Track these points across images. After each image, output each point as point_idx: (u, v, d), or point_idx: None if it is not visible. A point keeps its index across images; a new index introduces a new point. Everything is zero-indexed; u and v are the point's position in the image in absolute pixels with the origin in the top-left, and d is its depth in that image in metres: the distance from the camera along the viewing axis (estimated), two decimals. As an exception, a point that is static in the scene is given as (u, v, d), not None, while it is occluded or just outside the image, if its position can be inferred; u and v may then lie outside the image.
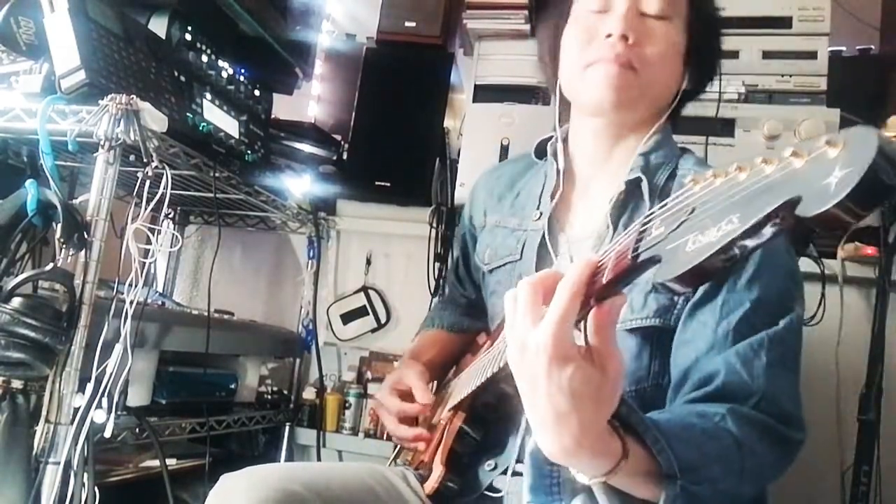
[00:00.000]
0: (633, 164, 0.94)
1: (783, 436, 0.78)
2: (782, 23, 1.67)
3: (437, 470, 0.97)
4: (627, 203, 0.93)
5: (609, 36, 0.90)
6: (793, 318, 0.83)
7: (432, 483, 0.97)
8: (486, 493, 0.98)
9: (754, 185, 0.42)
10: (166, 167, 1.20)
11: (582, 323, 0.57)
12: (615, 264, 0.52)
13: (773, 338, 0.81)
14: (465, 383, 1.01)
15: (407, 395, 1.10)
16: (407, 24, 1.95)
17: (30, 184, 1.10)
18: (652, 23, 0.91)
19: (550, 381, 0.55)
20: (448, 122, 1.99)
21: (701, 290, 0.84)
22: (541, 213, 1.01)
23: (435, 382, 1.20)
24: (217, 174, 1.47)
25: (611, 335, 0.57)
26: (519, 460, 0.94)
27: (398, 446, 1.26)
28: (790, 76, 1.66)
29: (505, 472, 0.96)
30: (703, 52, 0.96)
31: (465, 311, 1.28)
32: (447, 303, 1.34)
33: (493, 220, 1.12)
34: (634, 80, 0.90)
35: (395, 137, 1.94)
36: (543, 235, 0.99)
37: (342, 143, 2.10)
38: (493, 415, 0.99)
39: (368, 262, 2.07)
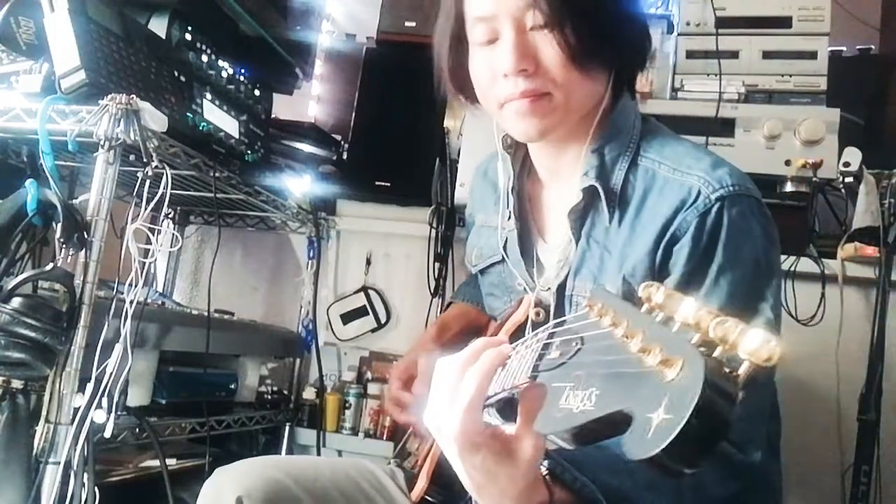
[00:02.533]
0: (586, 165, 0.87)
1: (734, 460, 0.76)
2: (782, 23, 1.67)
3: (422, 481, 0.97)
4: (587, 211, 0.88)
5: (507, 75, 0.82)
6: (762, 322, 0.77)
7: (416, 493, 0.98)
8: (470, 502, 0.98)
9: (616, 362, 0.40)
10: (166, 167, 1.20)
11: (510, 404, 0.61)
12: (523, 373, 0.55)
13: None
14: None
15: (412, 381, 1.12)
16: (407, 24, 1.96)
17: (30, 184, 1.10)
18: (544, 36, 0.80)
19: (464, 461, 0.60)
20: (448, 122, 1.99)
21: None
22: (510, 213, 0.98)
23: None
24: (217, 174, 1.47)
25: (531, 422, 0.60)
26: None
27: (399, 445, 1.27)
28: (790, 76, 1.66)
29: None
30: (607, 29, 0.82)
31: None
32: (473, 277, 1.34)
33: (480, 220, 1.11)
34: (550, 104, 0.83)
35: (395, 137, 1.94)
36: (520, 238, 0.96)
37: (342, 143, 2.10)
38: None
39: (368, 262, 2.07)
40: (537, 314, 0.89)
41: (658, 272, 0.81)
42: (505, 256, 1.00)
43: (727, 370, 0.35)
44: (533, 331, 0.87)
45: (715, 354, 0.36)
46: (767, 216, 0.84)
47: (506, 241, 0.99)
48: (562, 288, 0.89)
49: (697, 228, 0.79)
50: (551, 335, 0.53)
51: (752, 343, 0.35)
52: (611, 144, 0.88)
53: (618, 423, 0.38)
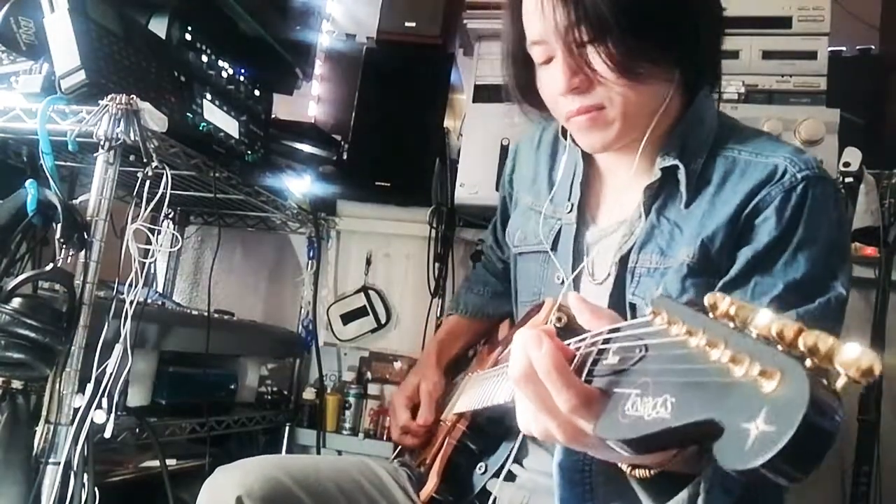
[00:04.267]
0: (668, 146, 0.87)
1: None
2: (782, 23, 1.67)
3: (432, 481, 0.97)
4: (661, 190, 0.89)
5: (563, 94, 0.84)
6: (831, 298, 0.79)
7: (426, 492, 0.98)
8: (478, 499, 0.98)
9: (695, 371, 0.39)
10: (166, 167, 1.20)
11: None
12: (575, 368, 0.54)
13: (804, 316, 0.77)
14: (474, 393, 1.01)
15: (416, 409, 1.15)
16: (407, 24, 1.95)
17: (30, 184, 1.10)
18: (592, 51, 0.79)
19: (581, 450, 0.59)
20: (448, 122, 1.99)
21: (736, 267, 0.82)
22: (572, 205, 0.98)
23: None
24: (217, 174, 1.47)
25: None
26: (511, 461, 0.95)
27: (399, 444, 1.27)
28: (790, 76, 1.66)
29: (496, 475, 0.96)
30: (655, 36, 0.80)
31: (494, 290, 1.26)
32: (478, 279, 1.32)
33: (528, 202, 1.08)
34: (606, 118, 0.84)
35: (395, 137, 1.94)
36: (578, 228, 0.96)
37: (342, 143, 2.10)
38: (495, 427, 0.99)
39: (368, 262, 2.07)
40: (559, 319, 0.89)
41: (737, 241, 0.83)
42: (553, 248, 0.98)
43: (825, 382, 0.34)
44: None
45: (807, 365, 0.34)
46: (843, 204, 0.88)
47: (557, 233, 0.98)
48: (624, 260, 0.89)
49: (782, 202, 0.81)
50: (607, 341, 0.52)
51: (850, 356, 0.33)
52: (691, 133, 0.89)
53: (702, 432, 0.37)
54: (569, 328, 0.88)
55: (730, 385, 0.37)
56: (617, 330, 0.52)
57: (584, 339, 0.56)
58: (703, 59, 0.90)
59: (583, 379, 0.52)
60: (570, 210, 0.97)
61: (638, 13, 0.78)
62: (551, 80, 0.85)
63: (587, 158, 0.98)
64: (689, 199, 0.86)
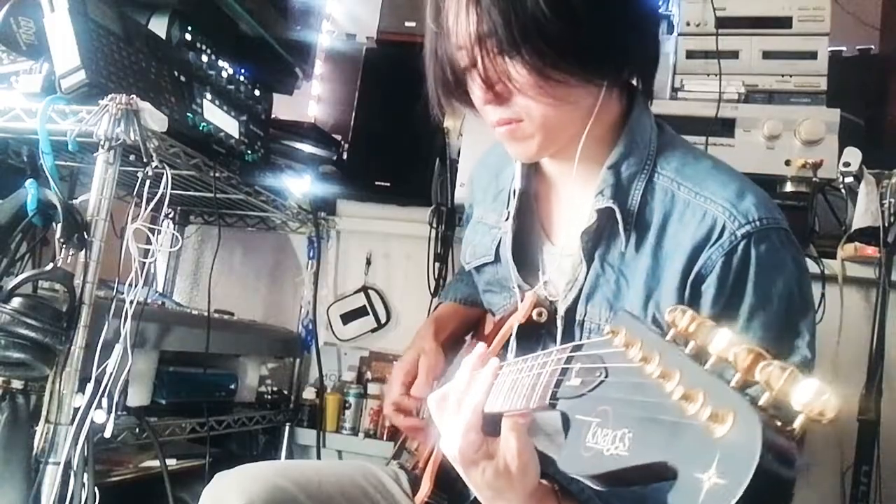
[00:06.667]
0: (602, 182, 0.82)
1: None
2: (782, 23, 1.67)
3: (426, 485, 0.97)
4: (601, 233, 0.83)
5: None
6: (795, 363, 0.75)
7: (420, 497, 0.97)
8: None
9: (650, 406, 0.38)
10: (166, 167, 1.20)
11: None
12: (539, 397, 0.56)
13: None
14: None
15: (412, 384, 1.10)
16: (407, 24, 1.96)
17: (30, 184, 1.10)
18: (508, 62, 0.74)
19: (469, 477, 0.67)
20: (448, 122, 1.99)
21: None
22: (508, 213, 0.93)
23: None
24: (217, 174, 1.47)
25: (519, 436, 0.64)
26: None
27: (398, 445, 1.26)
28: (790, 76, 1.66)
29: None
30: (574, 47, 0.73)
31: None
32: (463, 273, 1.28)
33: (478, 215, 1.06)
34: (524, 131, 0.79)
35: (395, 137, 1.94)
36: (517, 240, 0.93)
37: (342, 143, 2.10)
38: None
39: (368, 262, 2.07)
40: (539, 314, 0.86)
41: (689, 306, 0.79)
42: (497, 258, 0.97)
43: (780, 423, 0.32)
44: (536, 332, 0.87)
45: (762, 402, 0.33)
46: (796, 245, 0.80)
47: (499, 242, 0.96)
48: (571, 312, 0.84)
49: (723, 268, 0.75)
50: (570, 359, 0.52)
51: (806, 395, 0.32)
52: (627, 161, 0.83)
53: (657, 473, 0.36)
54: (550, 320, 0.87)
55: (684, 425, 0.35)
56: (579, 348, 0.52)
57: (550, 355, 0.57)
58: (637, 68, 0.84)
59: (547, 403, 0.54)
60: (507, 218, 0.94)
61: (545, 29, 0.70)
62: (475, 84, 0.80)
63: (533, 168, 0.94)
64: (628, 242, 0.81)
